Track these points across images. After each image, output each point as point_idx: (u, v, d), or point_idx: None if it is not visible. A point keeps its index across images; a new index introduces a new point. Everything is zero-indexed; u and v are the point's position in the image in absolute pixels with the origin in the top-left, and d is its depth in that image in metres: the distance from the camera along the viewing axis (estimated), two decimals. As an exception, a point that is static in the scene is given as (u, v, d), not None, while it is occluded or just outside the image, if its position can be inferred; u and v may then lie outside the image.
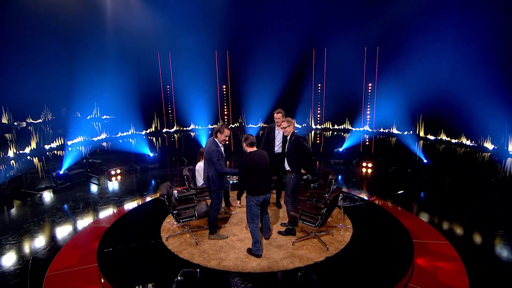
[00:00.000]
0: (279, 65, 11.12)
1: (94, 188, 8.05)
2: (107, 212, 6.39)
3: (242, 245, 4.76)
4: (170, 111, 11.68)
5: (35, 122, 9.14)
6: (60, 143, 9.44)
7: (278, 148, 5.68)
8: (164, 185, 4.94)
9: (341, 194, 5.23)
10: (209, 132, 11.60)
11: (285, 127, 5.01)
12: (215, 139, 4.70)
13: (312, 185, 5.98)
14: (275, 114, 5.69)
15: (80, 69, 9.35)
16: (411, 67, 9.09)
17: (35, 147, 8.97)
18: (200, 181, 5.82)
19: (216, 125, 11.59)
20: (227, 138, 4.72)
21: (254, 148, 4.42)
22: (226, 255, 4.51)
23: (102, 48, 9.89)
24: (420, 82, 8.95)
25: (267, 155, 4.51)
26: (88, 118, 10.06)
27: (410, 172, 8.92)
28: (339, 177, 8.60)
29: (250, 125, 11.85)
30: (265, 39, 11.02)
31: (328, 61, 11.26)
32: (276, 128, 5.75)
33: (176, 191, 5.46)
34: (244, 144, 4.45)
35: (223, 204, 5.95)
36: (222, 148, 4.79)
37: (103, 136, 10.46)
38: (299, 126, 11.85)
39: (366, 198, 6.84)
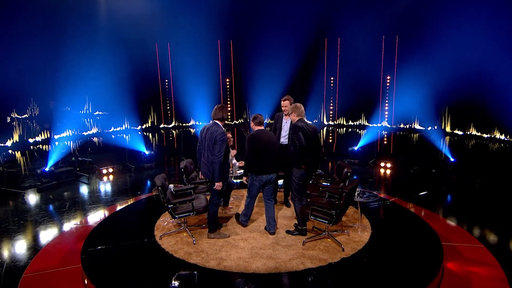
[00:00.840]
0: (288, 57, 11.07)
1: (83, 187, 7.98)
2: (96, 212, 6.30)
3: (246, 245, 4.61)
4: (168, 105, 11.65)
5: (20, 117, 9.06)
6: (46, 137, 9.33)
7: (284, 139, 5.60)
8: (159, 176, 4.82)
9: (357, 189, 5.02)
10: None
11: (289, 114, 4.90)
12: (220, 122, 4.62)
13: (324, 183, 5.77)
14: (282, 102, 5.60)
15: (70, 57, 9.30)
16: (434, 55, 8.91)
17: (17, 140, 8.87)
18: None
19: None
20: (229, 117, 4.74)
21: (262, 127, 4.58)
22: (227, 255, 4.35)
23: (94, 34, 9.84)
24: (445, 71, 8.74)
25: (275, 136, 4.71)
26: (80, 112, 9.99)
27: (435, 172, 8.67)
28: (354, 177, 8.36)
29: (255, 121, 11.69)
30: (273, 28, 10.98)
31: (342, 51, 11.17)
32: (284, 117, 5.65)
33: (172, 185, 5.34)
34: (252, 124, 4.70)
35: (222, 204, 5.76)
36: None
37: (94, 130, 10.35)
38: (309, 122, 11.66)
39: (385, 198, 6.69)
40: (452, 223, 5.65)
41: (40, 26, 8.85)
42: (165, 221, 5.44)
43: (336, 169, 5.76)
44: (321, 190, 5.23)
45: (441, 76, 8.84)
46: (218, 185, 4.56)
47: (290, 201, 5.88)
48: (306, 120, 4.91)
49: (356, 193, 4.99)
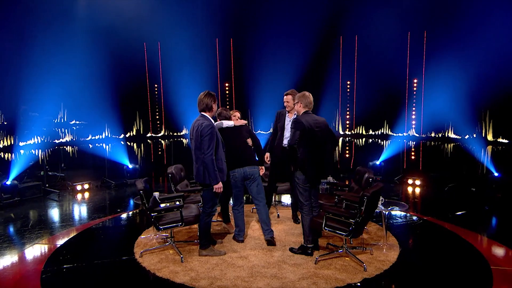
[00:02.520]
0: (296, 57, 10.97)
1: (52, 205, 7.92)
2: (65, 231, 6.20)
3: (245, 263, 4.47)
4: (157, 112, 11.64)
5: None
6: (8, 144, 9.25)
7: (287, 141, 5.42)
8: (141, 180, 4.79)
9: (382, 198, 4.85)
10: None
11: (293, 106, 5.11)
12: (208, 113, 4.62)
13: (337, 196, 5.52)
14: (285, 96, 5.60)
15: (37, 54, 9.24)
16: (470, 50, 8.80)
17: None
18: None
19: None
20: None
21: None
22: (222, 274, 4.22)
23: (70, 30, 9.86)
24: (484, 68, 8.62)
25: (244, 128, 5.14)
26: (54, 121, 9.99)
27: (475, 191, 8.49)
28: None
29: (259, 131, 11.66)
30: (279, 25, 10.97)
31: (359, 51, 11.09)
32: (287, 115, 5.61)
33: (157, 193, 5.25)
34: (218, 119, 5.10)
35: (219, 215, 5.76)
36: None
37: (68, 138, 10.28)
38: (318, 117, 11.57)
39: (414, 218, 6.59)
40: (499, 245, 5.42)
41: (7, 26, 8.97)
42: (148, 238, 5.42)
43: (355, 175, 5.60)
44: (336, 200, 5.12)
45: (479, 75, 8.70)
46: (217, 188, 4.42)
47: (299, 217, 5.68)
48: (312, 114, 4.73)
49: (379, 202, 4.79)
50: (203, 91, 4.63)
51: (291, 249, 4.80)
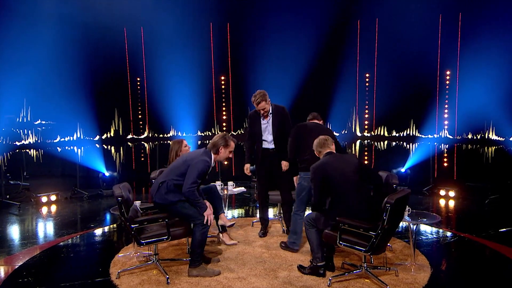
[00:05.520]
0: (305, 46, 11.01)
1: (11, 220, 7.95)
2: (25, 250, 6.16)
3: (244, 285, 4.45)
4: (140, 110, 11.68)
5: None
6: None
7: (270, 143, 6.03)
8: (120, 185, 4.75)
9: (408, 208, 4.82)
10: (200, 143, 11.67)
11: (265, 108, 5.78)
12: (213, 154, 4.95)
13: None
14: (256, 105, 5.88)
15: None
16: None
17: None
18: None
19: (214, 134, 11.53)
20: (231, 155, 5.05)
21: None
22: None
23: (34, 11, 9.85)
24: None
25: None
26: (17, 121, 10.02)
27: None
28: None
29: (260, 133, 11.60)
30: (285, 7, 11.01)
31: (380, 38, 11.10)
32: (262, 118, 6.02)
33: (139, 202, 5.32)
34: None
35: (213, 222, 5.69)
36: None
37: (32, 140, 10.26)
38: (337, 134, 11.59)
39: (448, 234, 6.63)
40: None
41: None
42: (127, 256, 5.44)
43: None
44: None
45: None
46: (207, 215, 4.69)
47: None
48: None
49: (406, 212, 4.75)
50: (227, 134, 5.14)
51: (300, 268, 4.80)
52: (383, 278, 4.49)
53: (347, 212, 4.36)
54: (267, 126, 5.94)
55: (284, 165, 5.78)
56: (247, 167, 6.16)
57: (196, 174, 4.64)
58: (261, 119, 5.98)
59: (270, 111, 5.86)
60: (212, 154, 4.89)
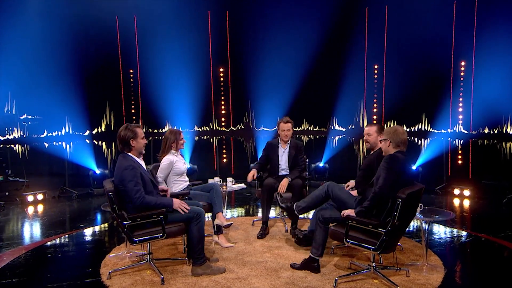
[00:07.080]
0: (309, 36, 11.01)
1: None
2: (9, 251, 6.16)
3: (244, 285, 4.49)
4: (133, 104, 11.71)
5: None
6: None
7: (284, 170, 6.61)
8: (110, 180, 4.80)
9: (421, 205, 4.84)
10: (197, 138, 11.74)
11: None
12: (128, 153, 4.82)
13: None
14: (283, 124, 6.48)
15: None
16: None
17: None
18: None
19: (212, 129, 11.81)
20: (144, 141, 4.93)
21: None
22: None
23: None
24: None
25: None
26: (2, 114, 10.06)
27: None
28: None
29: (261, 128, 11.76)
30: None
31: (390, 26, 11.09)
32: (279, 145, 6.63)
33: None
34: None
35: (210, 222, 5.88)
36: (145, 166, 5.00)
37: (17, 135, 10.27)
38: (343, 129, 11.64)
39: (463, 233, 6.69)
40: None
41: None
42: (119, 256, 5.48)
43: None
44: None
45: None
46: (178, 207, 4.72)
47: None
48: None
49: (418, 209, 4.77)
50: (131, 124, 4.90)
51: (293, 265, 4.92)
52: (393, 278, 4.51)
53: None
54: (283, 155, 6.58)
55: (283, 185, 6.18)
56: (254, 173, 6.46)
57: (131, 184, 4.54)
58: (279, 146, 6.61)
59: (289, 141, 6.51)
60: (129, 153, 4.79)
